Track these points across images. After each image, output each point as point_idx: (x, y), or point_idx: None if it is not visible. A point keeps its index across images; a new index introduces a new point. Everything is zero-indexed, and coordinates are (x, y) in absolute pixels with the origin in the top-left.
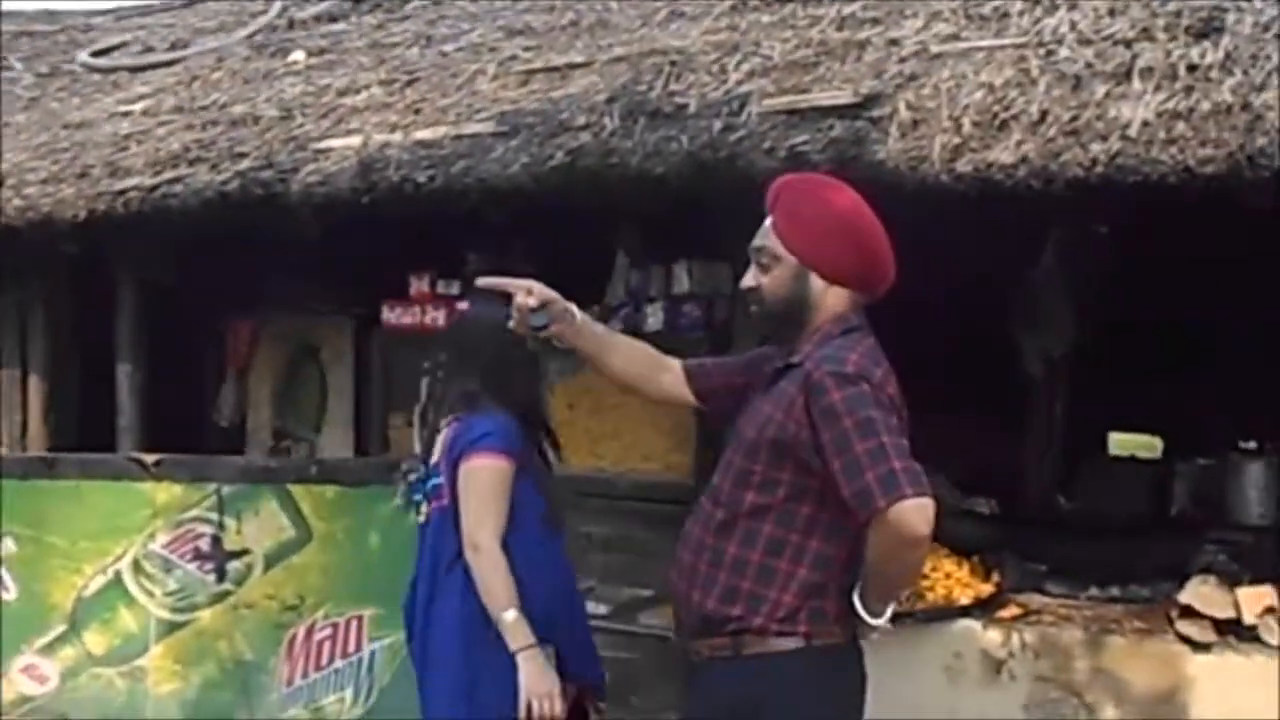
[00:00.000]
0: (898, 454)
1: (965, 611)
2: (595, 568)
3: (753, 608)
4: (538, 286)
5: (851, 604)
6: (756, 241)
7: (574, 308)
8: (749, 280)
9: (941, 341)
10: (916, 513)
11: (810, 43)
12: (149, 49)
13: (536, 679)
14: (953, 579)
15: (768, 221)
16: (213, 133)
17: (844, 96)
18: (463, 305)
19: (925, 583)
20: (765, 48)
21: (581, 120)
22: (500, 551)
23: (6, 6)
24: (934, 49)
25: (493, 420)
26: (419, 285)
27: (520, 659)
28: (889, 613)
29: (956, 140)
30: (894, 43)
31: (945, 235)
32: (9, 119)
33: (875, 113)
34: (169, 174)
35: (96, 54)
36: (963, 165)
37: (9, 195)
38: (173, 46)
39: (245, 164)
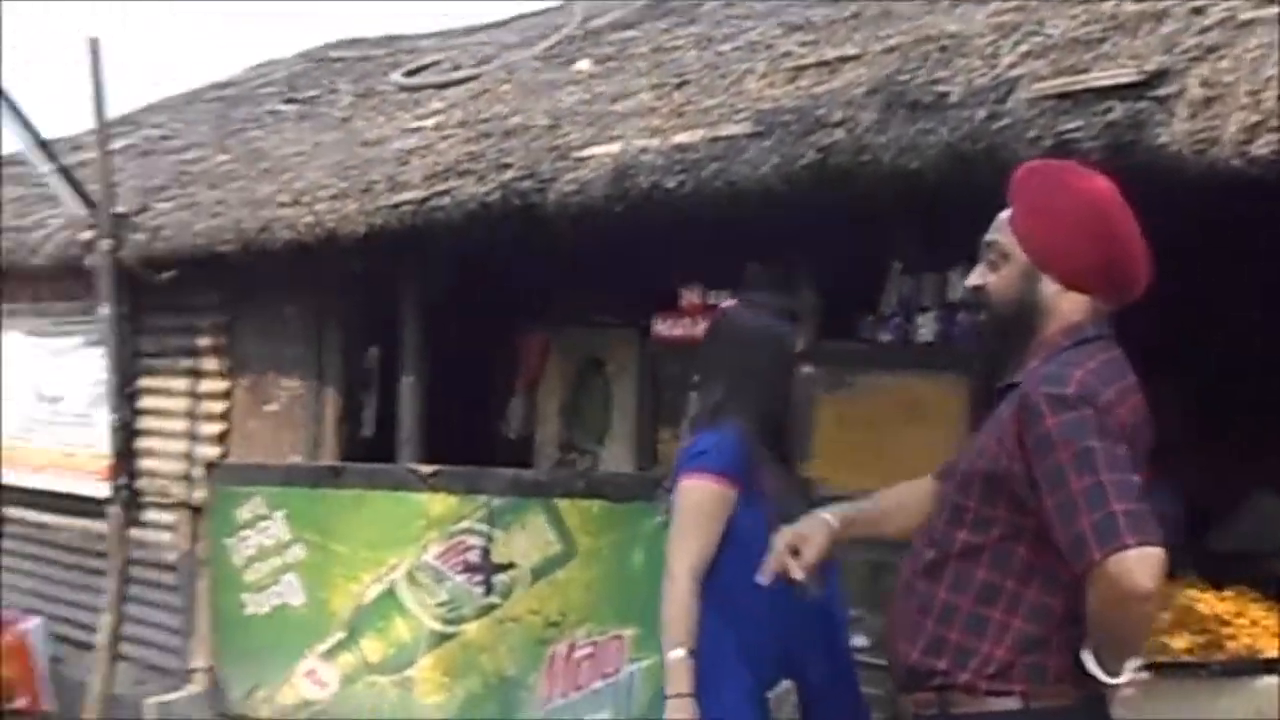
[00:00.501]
0: (1120, 494)
1: (1272, 666)
2: (861, 597)
3: (960, 662)
4: (804, 543)
5: (1081, 659)
6: (989, 235)
7: (828, 517)
8: (974, 278)
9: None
10: (1140, 565)
11: (1100, 17)
12: (456, 67)
13: None
14: (1259, 626)
15: (1005, 213)
16: (485, 145)
17: (1125, 75)
18: (725, 305)
19: (1226, 629)
20: (1049, 26)
21: (838, 116)
22: (689, 583)
23: (346, 31)
24: (1244, 15)
25: (718, 437)
26: (689, 296)
27: (668, 704)
28: (1130, 671)
29: (1255, 118)
30: (1198, 11)
31: (1231, 229)
32: (320, 138)
33: (1161, 91)
34: (440, 186)
35: (408, 74)
36: (1259, 147)
37: (301, 212)
38: (479, 63)
39: (509, 175)
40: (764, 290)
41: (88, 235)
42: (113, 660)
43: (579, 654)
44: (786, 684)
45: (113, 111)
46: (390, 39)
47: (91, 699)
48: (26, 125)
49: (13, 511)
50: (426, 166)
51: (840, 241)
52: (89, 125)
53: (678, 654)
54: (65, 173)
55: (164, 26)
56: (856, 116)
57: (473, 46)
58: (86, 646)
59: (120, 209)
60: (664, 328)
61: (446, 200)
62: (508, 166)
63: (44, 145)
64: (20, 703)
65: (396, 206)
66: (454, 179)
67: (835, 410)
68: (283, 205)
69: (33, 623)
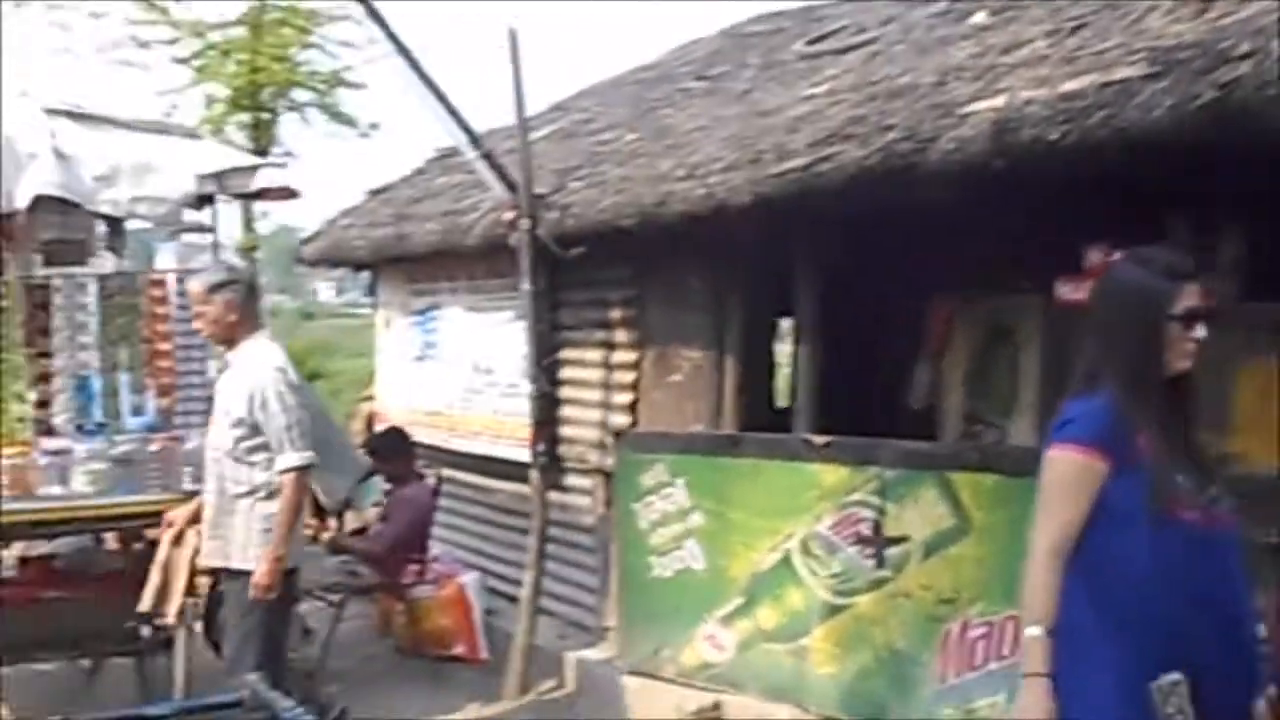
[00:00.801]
0: None
1: None
2: (1268, 582)
3: None
4: None
5: None
6: None
7: None
8: None
9: None
10: None
11: None
12: (861, 30)
13: (1026, 709)
14: None
15: None
16: (869, 108)
17: None
18: (1109, 261)
19: None
20: None
21: (1245, 48)
22: (1050, 559)
23: (765, 5)
24: None
25: (1087, 404)
26: (1094, 255)
27: (1023, 683)
28: None
29: None
30: None
31: None
32: (721, 112)
33: None
34: (823, 152)
35: (811, 41)
36: None
37: (694, 185)
38: (882, 25)
39: (890, 137)
40: (1158, 244)
41: (509, 216)
42: (534, 614)
43: (973, 633)
44: (1175, 676)
45: (547, 98)
46: (806, 9)
47: (516, 650)
48: (456, 117)
49: (453, 473)
50: (812, 133)
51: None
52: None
53: (1034, 632)
54: (490, 159)
55: (598, 16)
56: (1267, 47)
57: (879, 8)
58: (516, 601)
59: (538, 190)
60: (1067, 290)
61: (828, 166)
62: (890, 129)
63: (471, 135)
64: (458, 650)
65: (781, 175)
66: (837, 144)
67: (1259, 380)
68: (678, 179)
69: (470, 576)
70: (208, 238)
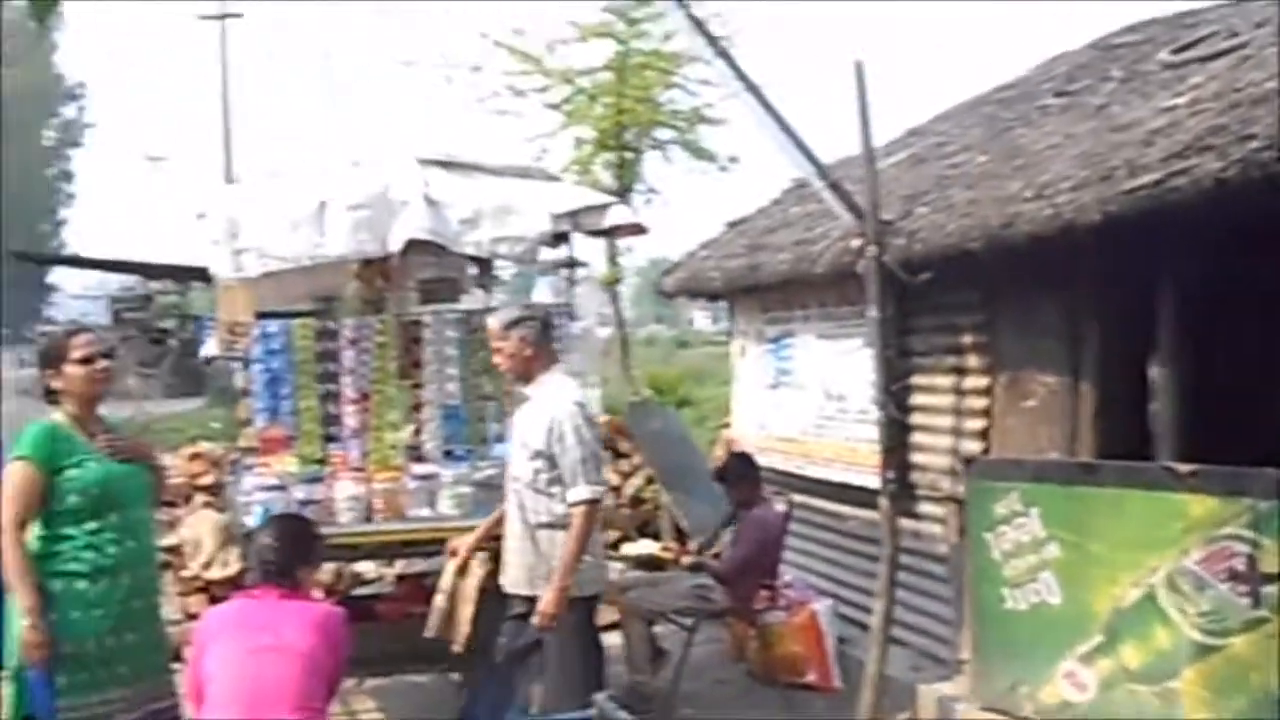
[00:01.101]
0: None
1: None
2: None
3: None
4: None
5: None
6: None
7: None
8: None
9: None
10: None
11: None
12: (1232, 34)
13: None
14: None
15: None
16: (1231, 116)
17: None
18: None
19: None
20: None
21: None
22: None
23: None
24: None
25: None
26: None
27: None
28: None
29: None
30: None
31: None
32: (1074, 129)
33: None
34: (1177, 166)
35: (1176, 50)
36: None
37: (1042, 205)
38: (1255, 28)
39: (1251, 146)
40: None
41: (857, 243)
42: (885, 644)
43: None
44: None
45: (905, 123)
46: (1177, 16)
47: (867, 680)
48: (802, 148)
49: (806, 500)
50: (1167, 146)
51: None
52: (881, 140)
53: None
54: (837, 188)
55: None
56: None
57: (1254, 10)
58: (868, 629)
59: (885, 217)
60: None
61: (1182, 180)
62: (1250, 138)
63: (817, 164)
64: (810, 678)
65: (1132, 192)
66: (1193, 156)
67: None
68: (1026, 200)
69: (822, 603)
70: (580, 272)
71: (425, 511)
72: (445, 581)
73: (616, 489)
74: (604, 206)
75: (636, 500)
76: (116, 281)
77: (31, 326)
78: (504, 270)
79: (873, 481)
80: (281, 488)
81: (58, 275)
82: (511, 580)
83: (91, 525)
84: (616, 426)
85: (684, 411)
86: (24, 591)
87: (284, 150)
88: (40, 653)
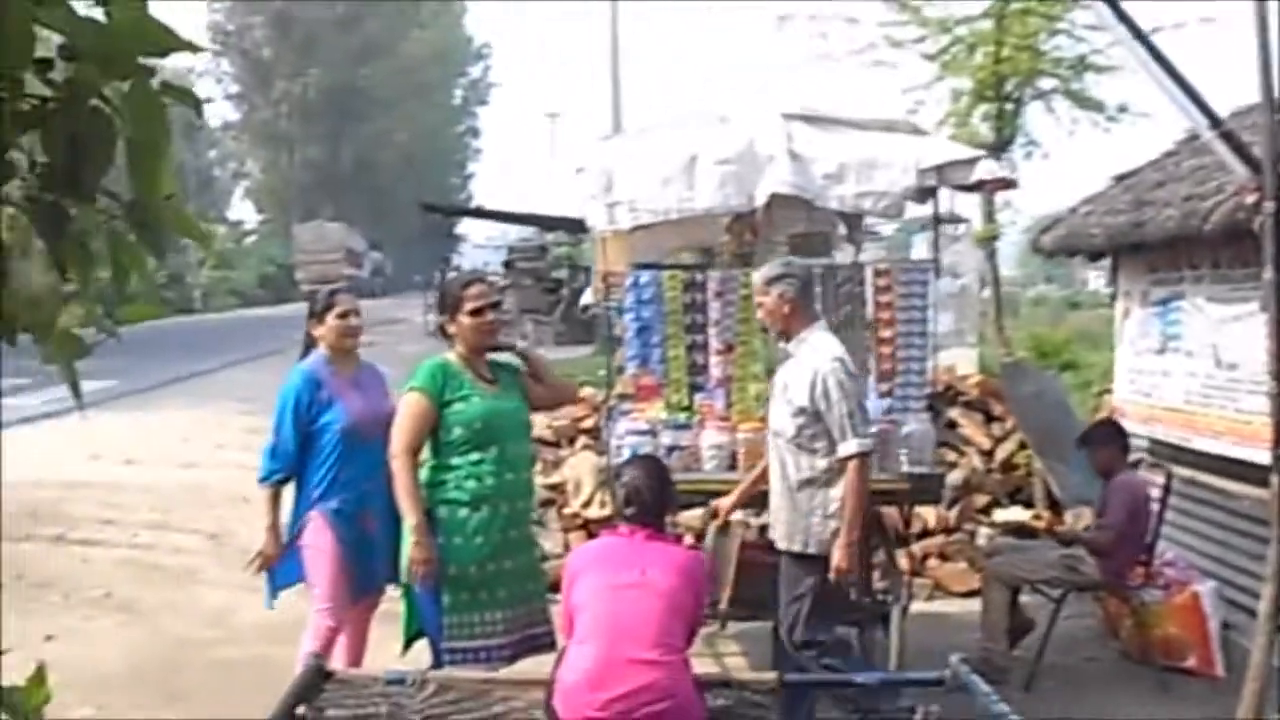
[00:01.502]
0: None
1: None
2: None
3: None
4: None
5: None
6: None
7: None
8: None
9: None
10: None
11: None
12: None
13: None
14: None
15: None
16: None
17: None
18: None
19: None
20: None
21: None
22: None
23: None
24: None
25: None
26: None
27: None
28: None
29: None
30: None
31: None
32: None
33: None
34: None
35: None
36: None
37: None
38: None
39: None
40: None
41: (1251, 199)
42: (1274, 632)
43: None
44: None
45: None
46: None
47: (1253, 669)
48: (1190, 95)
49: (1191, 474)
50: None
51: None
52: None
53: None
54: (1231, 138)
55: None
56: None
57: None
58: (1255, 616)
59: None
60: None
61: None
62: None
63: (1208, 113)
64: (1189, 663)
65: None
66: None
67: None
68: None
69: (1206, 585)
70: (960, 228)
71: None
72: (709, 541)
73: (988, 453)
74: (971, 161)
75: (1008, 465)
76: (517, 232)
77: (437, 276)
78: (883, 225)
79: (1265, 457)
80: (649, 433)
81: (465, 226)
82: (777, 536)
83: (474, 457)
84: (989, 388)
85: (1068, 376)
86: (411, 512)
87: (669, 103)
88: (424, 569)
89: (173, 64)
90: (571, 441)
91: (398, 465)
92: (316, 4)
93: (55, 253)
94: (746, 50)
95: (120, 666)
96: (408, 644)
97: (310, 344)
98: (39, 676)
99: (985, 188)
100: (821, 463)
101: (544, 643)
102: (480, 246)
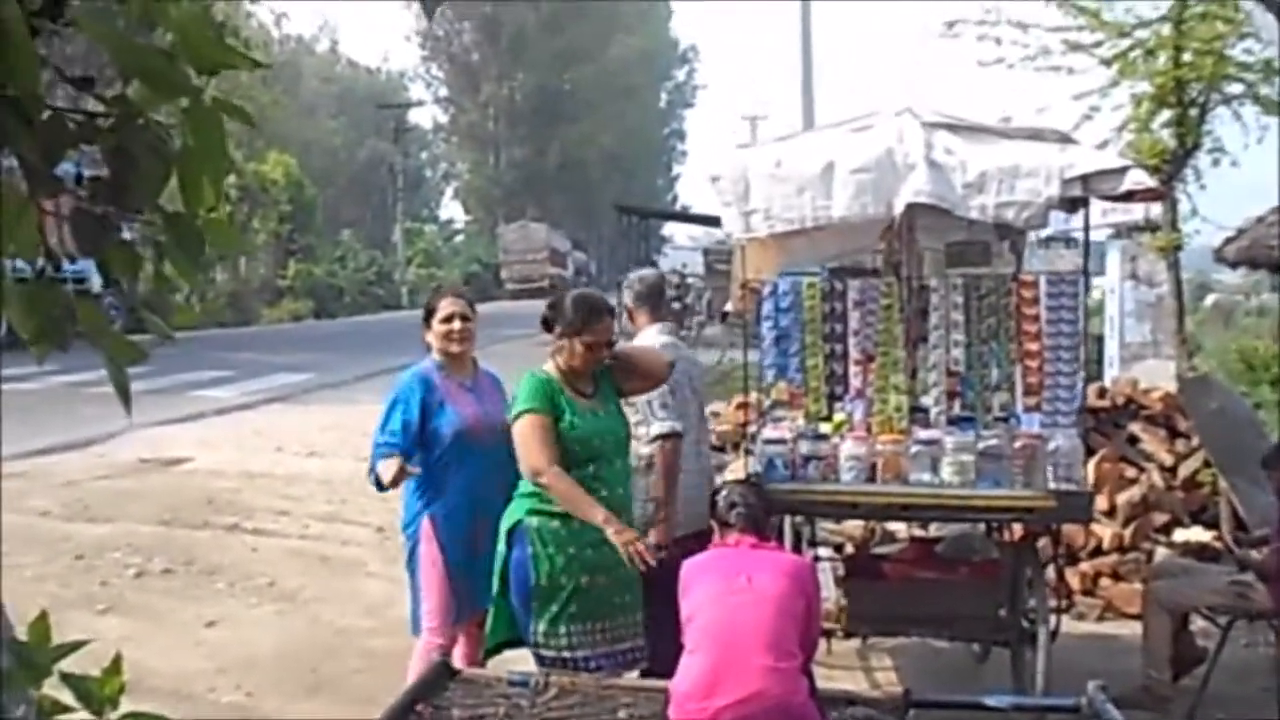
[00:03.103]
0: None
1: None
2: None
3: None
4: None
5: None
6: None
7: None
8: None
9: None
10: None
11: None
12: None
13: None
14: None
15: None
16: None
17: None
18: None
19: None
20: None
21: None
22: None
23: None
24: None
25: None
26: None
27: None
28: None
29: None
30: None
31: None
32: None
33: None
34: None
35: None
36: None
37: None
38: None
39: None
40: None
41: None
42: None
43: None
44: None
45: None
46: None
47: None
48: None
49: None
50: None
51: None
52: None
53: None
54: None
55: None
56: None
57: None
58: None
59: None
60: None
61: None
62: None
63: None
64: None
65: None
66: None
67: None
68: None
69: None
70: (1144, 237)
71: (926, 476)
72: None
73: (1171, 469)
74: (1120, 170)
75: (1191, 483)
76: (719, 233)
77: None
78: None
79: None
80: (788, 441)
81: (669, 227)
82: None
83: (572, 474)
84: (1174, 402)
85: (1272, 391)
86: (590, 511)
87: (864, 107)
88: (635, 546)
89: (388, 67)
90: (736, 447)
91: (552, 479)
92: (524, 8)
93: (99, 264)
94: (921, 54)
95: (273, 653)
96: (488, 654)
97: (427, 349)
98: (115, 667)
99: (1135, 198)
100: (645, 449)
101: (633, 658)
102: (680, 248)
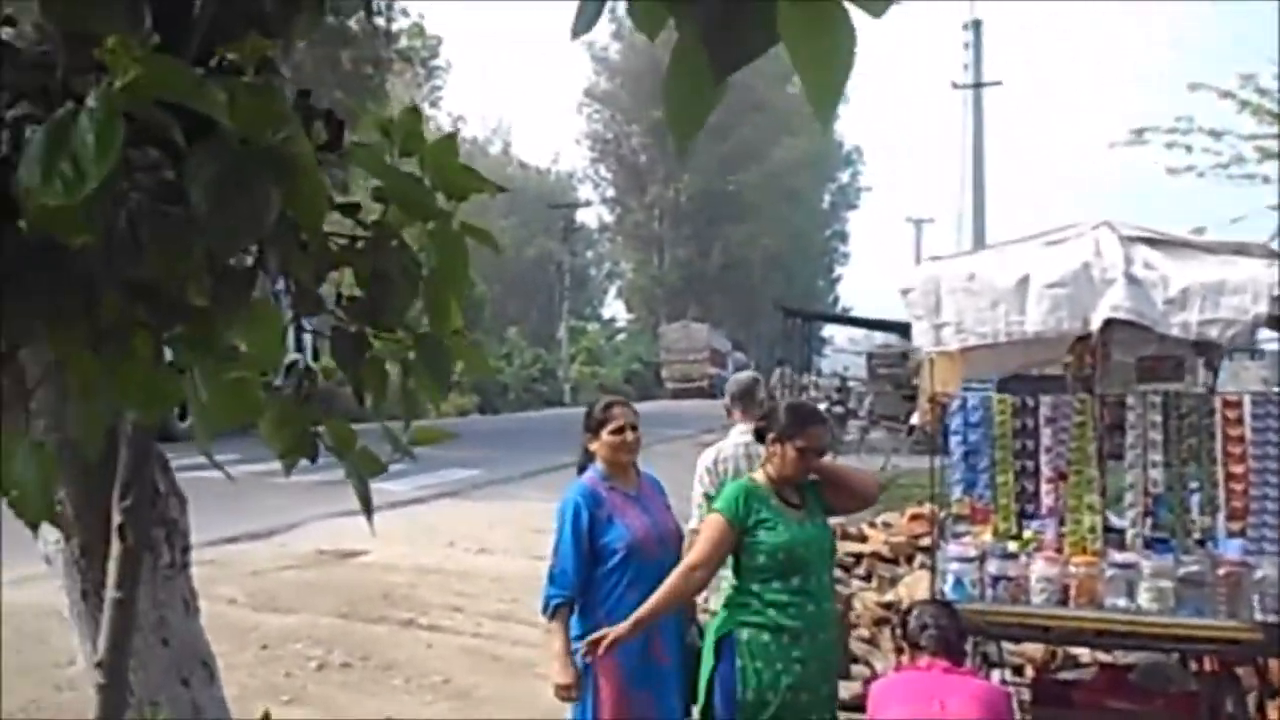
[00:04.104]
0: None
1: None
2: None
3: None
4: None
5: None
6: None
7: None
8: None
9: None
10: None
11: None
12: None
13: None
14: None
15: None
16: None
17: None
18: None
19: None
20: None
21: None
22: None
23: None
24: None
25: None
26: None
27: None
28: None
29: None
30: None
31: None
32: None
33: None
34: None
35: None
36: None
37: None
38: None
39: None
40: None
41: None
42: None
43: None
44: None
45: None
46: None
47: None
48: None
49: None
50: None
51: None
52: None
53: None
54: None
55: None
56: None
57: None
58: None
59: None
60: None
61: None
62: None
63: None
64: None
65: None
66: None
67: None
68: None
69: None
70: None
71: (1122, 601)
72: None
73: None
74: None
75: None
76: (881, 338)
77: (803, 378)
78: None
79: None
80: (975, 559)
81: (830, 329)
82: None
83: (777, 585)
84: None
85: None
86: (650, 615)
87: (1035, 219)
88: (592, 649)
89: (558, 168)
90: (909, 559)
91: (677, 574)
92: None
93: (354, 380)
94: (1103, 164)
95: None
96: None
97: (587, 457)
98: None
99: None
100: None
101: None
102: (841, 350)
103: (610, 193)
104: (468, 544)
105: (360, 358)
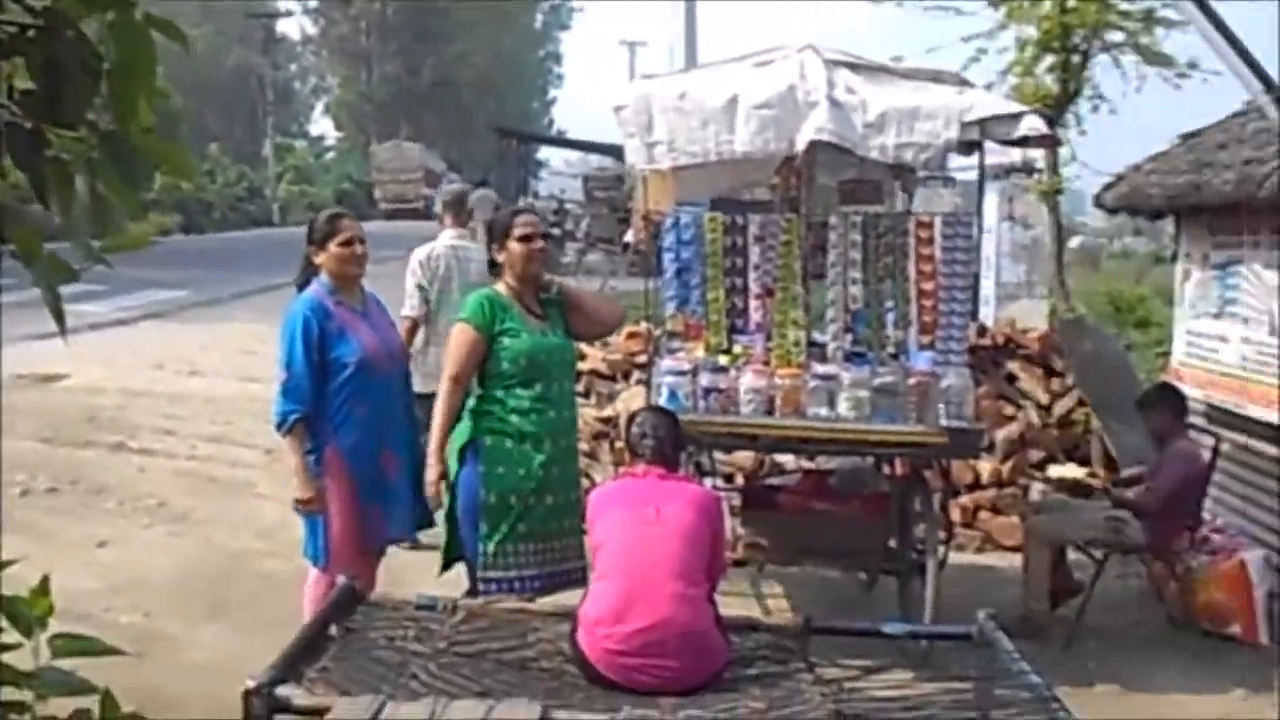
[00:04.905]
0: None
1: None
2: None
3: None
4: None
5: None
6: None
7: None
8: None
9: None
10: None
11: None
12: None
13: None
14: None
15: None
16: None
17: None
18: None
19: None
20: None
21: None
22: None
23: None
24: None
25: None
26: None
27: None
28: None
29: None
30: None
31: None
32: None
33: None
34: None
35: None
36: None
37: None
38: None
39: None
40: None
41: None
42: None
43: None
44: None
45: None
46: None
47: None
48: (1244, 57)
49: (1245, 441)
50: None
51: None
52: None
53: None
54: None
55: None
56: None
57: None
58: None
59: None
60: None
61: None
62: None
63: (1262, 77)
64: (1233, 629)
65: None
66: None
67: None
68: None
69: (1255, 553)
70: (1029, 179)
71: (823, 411)
72: None
73: (1046, 408)
74: (1016, 116)
75: (1066, 421)
76: (596, 160)
77: (519, 200)
78: (962, 174)
79: None
80: (689, 373)
81: (545, 152)
82: None
83: (520, 392)
84: (1050, 343)
85: (1139, 334)
86: (435, 436)
87: (746, 41)
88: (434, 488)
89: None
90: (626, 375)
91: (443, 391)
92: None
93: (35, 181)
94: None
95: (169, 575)
96: (445, 567)
97: (309, 271)
98: (43, 588)
99: (1030, 143)
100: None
101: (576, 578)
102: (557, 173)
103: (313, 3)
104: (177, 366)
105: (39, 156)
